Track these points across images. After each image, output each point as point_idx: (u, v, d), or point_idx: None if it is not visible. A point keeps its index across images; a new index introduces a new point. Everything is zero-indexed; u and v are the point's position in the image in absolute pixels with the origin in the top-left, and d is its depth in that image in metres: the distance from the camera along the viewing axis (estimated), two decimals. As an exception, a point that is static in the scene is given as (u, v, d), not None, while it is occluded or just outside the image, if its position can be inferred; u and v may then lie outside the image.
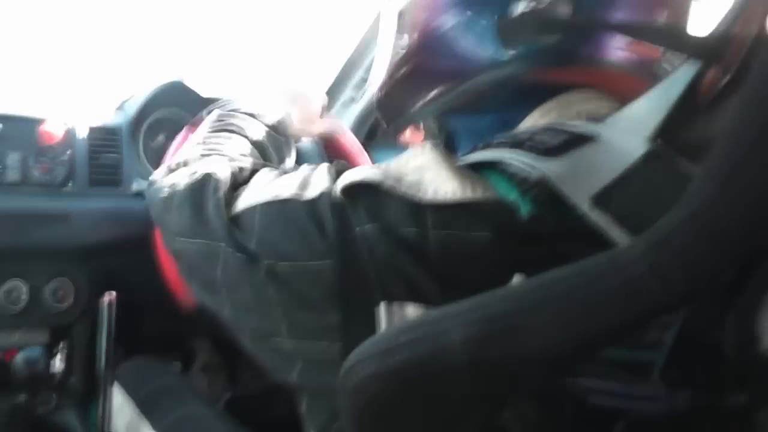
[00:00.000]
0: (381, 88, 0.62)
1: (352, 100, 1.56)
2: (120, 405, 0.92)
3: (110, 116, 1.26)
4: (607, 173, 0.38)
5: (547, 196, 0.38)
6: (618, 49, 0.50)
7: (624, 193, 0.37)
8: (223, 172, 0.56)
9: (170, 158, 0.72)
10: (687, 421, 0.35)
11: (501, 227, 0.38)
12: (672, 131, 0.41)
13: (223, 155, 0.63)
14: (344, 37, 1.51)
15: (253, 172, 0.57)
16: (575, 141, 0.41)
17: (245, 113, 0.74)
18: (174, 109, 1.26)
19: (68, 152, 1.16)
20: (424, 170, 0.43)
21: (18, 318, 1.13)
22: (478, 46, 0.51)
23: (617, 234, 0.35)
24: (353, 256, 0.41)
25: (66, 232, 1.14)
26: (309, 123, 0.92)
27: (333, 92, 1.58)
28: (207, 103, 1.10)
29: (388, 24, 0.58)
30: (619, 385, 0.35)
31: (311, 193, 0.47)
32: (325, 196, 0.46)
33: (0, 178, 1.10)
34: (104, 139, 1.21)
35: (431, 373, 0.32)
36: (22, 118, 1.15)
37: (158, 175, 0.65)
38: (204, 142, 0.67)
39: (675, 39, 0.48)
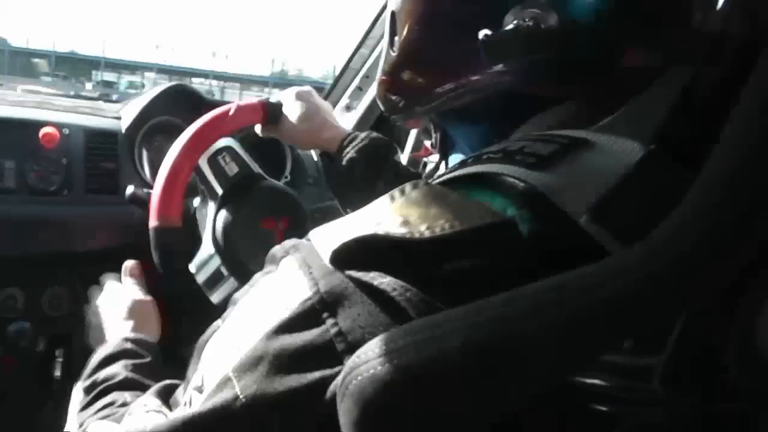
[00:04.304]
0: (382, 84, 0.59)
1: (348, 108, 1.57)
2: None
3: (108, 121, 1.25)
4: (604, 181, 0.37)
5: (545, 210, 0.37)
6: (612, 57, 0.46)
7: (622, 204, 0.36)
8: None
9: None
10: (687, 427, 0.35)
11: (504, 247, 0.37)
12: (670, 136, 0.40)
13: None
14: (343, 45, 1.52)
15: None
16: (569, 147, 0.40)
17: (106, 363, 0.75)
18: (173, 114, 1.25)
19: (64, 159, 1.15)
20: (404, 215, 0.39)
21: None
22: (470, 56, 0.48)
23: (616, 249, 0.35)
24: None
25: (63, 240, 1.14)
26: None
27: (331, 100, 1.58)
28: (209, 106, 1.10)
29: (386, 23, 0.57)
30: (619, 390, 0.34)
31: None
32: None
33: (-4, 185, 1.09)
34: (102, 145, 1.20)
35: (432, 376, 0.32)
36: (19, 121, 1.14)
37: None
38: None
39: (666, 40, 0.45)
